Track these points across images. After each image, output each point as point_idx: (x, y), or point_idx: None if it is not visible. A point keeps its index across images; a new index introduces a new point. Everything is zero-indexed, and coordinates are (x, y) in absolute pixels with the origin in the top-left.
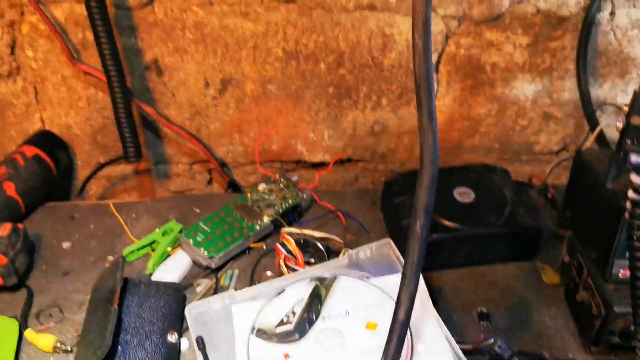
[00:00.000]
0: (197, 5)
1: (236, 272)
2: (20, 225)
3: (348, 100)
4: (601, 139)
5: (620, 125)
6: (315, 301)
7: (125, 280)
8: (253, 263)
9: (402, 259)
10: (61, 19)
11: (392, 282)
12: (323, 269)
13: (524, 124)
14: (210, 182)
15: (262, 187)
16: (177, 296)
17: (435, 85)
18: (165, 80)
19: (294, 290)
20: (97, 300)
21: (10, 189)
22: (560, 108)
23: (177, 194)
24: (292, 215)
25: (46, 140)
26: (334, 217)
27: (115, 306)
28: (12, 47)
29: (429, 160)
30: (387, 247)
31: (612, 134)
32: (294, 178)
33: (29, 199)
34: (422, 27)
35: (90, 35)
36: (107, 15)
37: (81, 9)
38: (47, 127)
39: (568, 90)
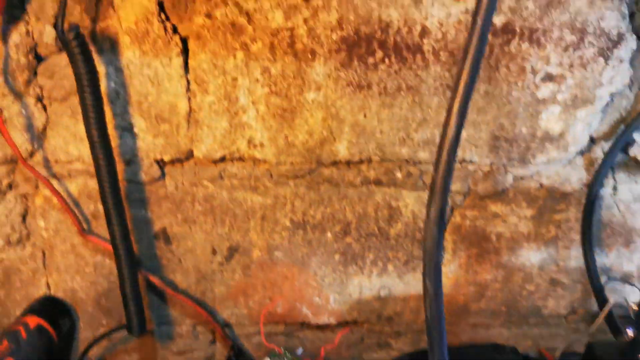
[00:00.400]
0: (208, 179)
1: None
2: None
3: (354, 266)
4: (610, 317)
5: (631, 334)
6: None
7: None
8: None
9: None
10: (75, 192)
11: None
12: None
13: (530, 289)
14: (213, 342)
15: None
16: None
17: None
18: (173, 248)
19: None
20: None
21: None
22: (568, 275)
23: (179, 355)
24: None
25: (50, 307)
26: None
27: None
28: (24, 216)
29: None
30: None
31: (621, 300)
32: (299, 351)
33: None
34: (433, 273)
35: (101, 207)
36: (118, 191)
37: (94, 184)
38: (53, 292)
39: (574, 258)
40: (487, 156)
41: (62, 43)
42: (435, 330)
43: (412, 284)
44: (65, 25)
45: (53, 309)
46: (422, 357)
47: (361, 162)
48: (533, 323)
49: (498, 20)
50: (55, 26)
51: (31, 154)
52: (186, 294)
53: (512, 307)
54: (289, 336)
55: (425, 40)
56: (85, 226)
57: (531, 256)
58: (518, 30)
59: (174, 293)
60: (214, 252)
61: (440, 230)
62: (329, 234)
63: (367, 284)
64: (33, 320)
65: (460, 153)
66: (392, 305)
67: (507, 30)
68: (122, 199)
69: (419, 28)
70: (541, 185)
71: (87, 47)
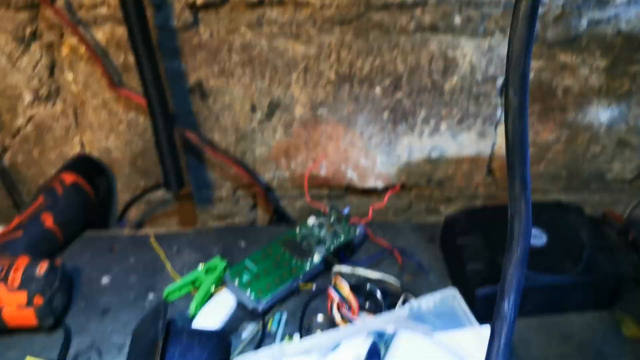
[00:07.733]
0: (245, 26)
1: (284, 316)
2: (57, 262)
3: (404, 125)
4: None
5: None
6: None
7: (168, 328)
8: (302, 305)
9: (469, 314)
10: (102, 41)
11: (460, 338)
12: (382, 322)
13: (595, 151)
14: (254, 207)
15: (311, 221)
16: (221, 346)
17: (500, 110)
18: (210, 103)
19: (350, 346)
20: (137, 349)
21: (48, 220)
22: (637, 135)
23: (219, 219)
24: (344, 252)
25: (86, 165)
26: (389, 255)
27: None
28: (52, 69)
29: (521, 232)
30: (452, 299)
31: None
32: (345, 210)
33: (67, 229)
34: (518, 82)
35: (131, 58)
36: (149, 38)
37: (123, 31)
38: (87, 151)
39: None
40: None
41: None
42: (517, 151)
43: (466, 144)
44: None
45: (88, 167)
46: (480, 212)
47: (415, 4)
48: (594, 189)
49: None
50: None
51: None
52: (226, 154)
53: (574, 171)
54: (334, 200)
55: None
56: (115, 79)
57: (600, 114)
58: None
59: (214, 153)
60: (253, 108)
61: (530, 28)
62: (377, 89)
63: (418, 144)
64: (69, 177)
65: None
66: (444, 168)
67: None
68: (154, 48)
69: None
70: (619, 31)
71: None
